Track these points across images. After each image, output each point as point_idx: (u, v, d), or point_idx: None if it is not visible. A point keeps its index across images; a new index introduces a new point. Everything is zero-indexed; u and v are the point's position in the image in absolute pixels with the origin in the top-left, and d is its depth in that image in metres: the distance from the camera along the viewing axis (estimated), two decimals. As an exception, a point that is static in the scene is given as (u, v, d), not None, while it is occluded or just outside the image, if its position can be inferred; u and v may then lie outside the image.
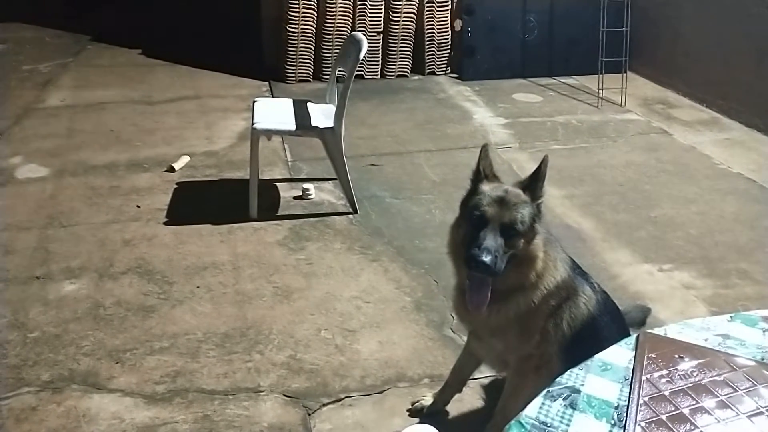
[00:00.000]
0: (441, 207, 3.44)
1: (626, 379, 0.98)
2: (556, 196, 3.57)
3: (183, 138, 4.30)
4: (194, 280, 2.83)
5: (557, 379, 0.99)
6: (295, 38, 5.32)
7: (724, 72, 4.82)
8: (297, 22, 5.28)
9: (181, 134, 4.36)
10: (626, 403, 0.94)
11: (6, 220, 3.27)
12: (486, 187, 1.68)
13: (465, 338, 2.20)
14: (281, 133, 3.56)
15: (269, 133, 3.51)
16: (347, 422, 2.11)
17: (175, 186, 3.67)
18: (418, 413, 2.13)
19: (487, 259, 1.54)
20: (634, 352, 1.04)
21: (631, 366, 1.01)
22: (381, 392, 2.23)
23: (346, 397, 2.21)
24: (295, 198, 3.55)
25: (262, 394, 2.22)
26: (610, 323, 1.82)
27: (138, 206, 3.43)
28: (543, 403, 0.93)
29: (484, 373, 2.21)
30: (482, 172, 1.72)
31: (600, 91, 5.02)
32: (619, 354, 1.05)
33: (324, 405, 2.18)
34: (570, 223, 3.31)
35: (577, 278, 1.78)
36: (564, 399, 0.94)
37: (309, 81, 5.42)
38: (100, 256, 2.99)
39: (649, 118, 4.80)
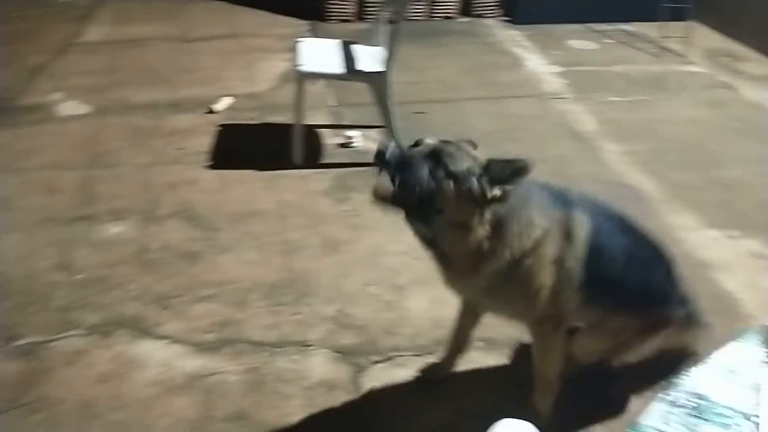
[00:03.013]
0: (492, 160, 3.29)
1: (758, 385, 0.88)
2: (614, 151, 3.39)
3: (222, 78, 4.17)
4: (239, 227, 2.76)
5: (678, 383, 0.88)
6: (339, -25, 5.07)
7: (799, 22, 4.47)
8: (341, -43, 5.02)
9: (221, 74, 4.23)
10: (759, 413, 0.83)
11: (49, 159, 3.23)
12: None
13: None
14: (328, 77, 3.41)
15: (315, 77, 3.37)
16: (397, 382, 2.06)
17: (217, 128, 3.57)
18: (429, 376, 2.05)
19: (386, 149, 1.52)
20: (764, 351, 0.93)
21: (762, 369, 0.90)
22: (432, 353, 2.16)
23: (397, 356, 2.15)
24: (339, 145, 3.43)
25: (310, 348, 2.17)
26: (618, 236, 1.71)
27: (180, 148, 3.36)
28: (667, 411, 0.83)
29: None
30: None
31: (661, 39, 4.71)
32: (746, 353, 0.93)
33: (374, 363, 2.12)
34: (630, 182, 3.14)
35: (567, 212, 1.62)
36: (689, 408, 0.83)
37: (352, 21, 5.19)
38: (145, 198, 2.94)
39: (714, 71, 4.50)
